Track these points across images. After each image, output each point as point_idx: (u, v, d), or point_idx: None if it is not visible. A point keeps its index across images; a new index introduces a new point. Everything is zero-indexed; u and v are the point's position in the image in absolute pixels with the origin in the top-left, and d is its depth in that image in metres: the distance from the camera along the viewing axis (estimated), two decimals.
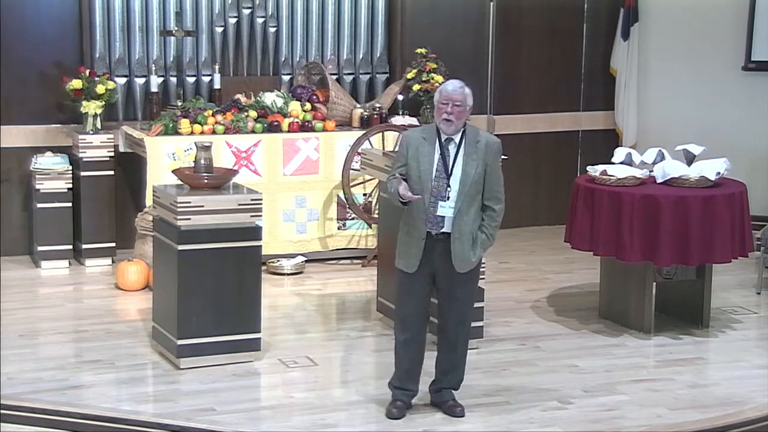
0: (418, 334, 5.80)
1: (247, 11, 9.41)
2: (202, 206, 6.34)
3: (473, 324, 6.75)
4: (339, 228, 8.98)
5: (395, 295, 5.92)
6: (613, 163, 7.55)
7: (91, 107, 8.64)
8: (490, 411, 5.89)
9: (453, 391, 5.88)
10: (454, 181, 5.60)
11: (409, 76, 9.24)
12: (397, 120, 9.00)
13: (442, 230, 5.62)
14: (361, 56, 9.76)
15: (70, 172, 8.64)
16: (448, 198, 5.59)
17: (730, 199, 7.14)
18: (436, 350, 5.91)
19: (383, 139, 8.80)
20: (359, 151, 8.51)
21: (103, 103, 8.69)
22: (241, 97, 8.97)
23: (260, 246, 6.58)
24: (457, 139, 5.64)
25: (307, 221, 8.87)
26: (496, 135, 10.08)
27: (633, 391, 6.25)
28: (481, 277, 6.83)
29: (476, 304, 6.78)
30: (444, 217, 5.61)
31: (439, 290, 5.75)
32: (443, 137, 5.63)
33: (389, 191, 5.71)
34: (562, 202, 8.98)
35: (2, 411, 5.69)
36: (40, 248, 8.67)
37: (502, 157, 7.22)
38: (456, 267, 5.64)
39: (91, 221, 8.74)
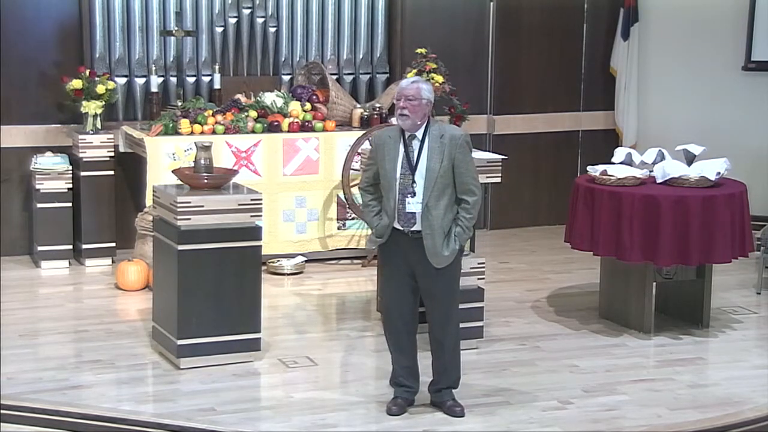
0: (406, 332, 5.83)
1: (247, 11, 9.41)
2: (202, 206, 6.34)
3: (473, 324, 6.80)
4: (339, 228, 8.98)
5: (381, 294, 5.93)
6: (613, 163, 7.55)
7: (91, 107, 8.64)
8: (490, 411, 5.89)
9: (453, 390, 5.89)
10: (419, 177, 5.63)
11: (409, 76, 9.22)
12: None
13: (414, 228, 5.65)
14: (361, 56, 9.76)
15: (70, 172, 8.65)
16: (415, 194, 5.62)
17: (730, 199, 7.14)
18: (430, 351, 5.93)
19: None
20: (359, 151, 8.50)
21: (103, 103, 8.69)
22: (241, 97, 8.97)
23: (260, 246, 6.58)
24: (420, 134, 5.67)
25: (307, 221, 8.87)
26: (496, 135, 10.25)
27: (633, 391, 6.25)
28: (480, 277, 6.87)
29: (476, 304, 6.82)
30: (415, 213, 5.63)
31: (421, 289, 5.78)
32: (407, 134, 5.68)
33: (368, 223, 5.87)
34: (562, 202, 8.98)
35: (2, 411, 5.69)
36: (40, 248, 8.67)
37: (502, 156, 7.26)
38: (432, 262, 5.66)
39: (91, 221, 8.74)
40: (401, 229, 5.67)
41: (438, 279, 5.71)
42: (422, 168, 5.63)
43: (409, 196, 5.63)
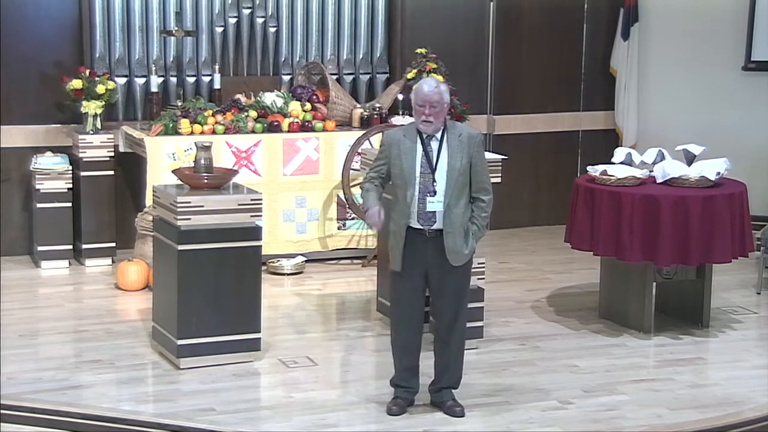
0: (414, 332, 5.83)
1: (247, 11, 9.41)
2: (202, 206, 6.34)
3: (473, 324, 6.79)
4: (339, 228, 8.98)
5: (390, 295, 5.90)
6: (613, 163, 7.55)
7: (91, 107, 8.64)
8: (490, 411, 5.89)
9: (453, 390, 5.89)
10: (440, 176, 5.63)
11: (409, 76, 9.23)
12: (397, 120, 8.99)
13: (434, 227, 5.65)
14: (361, 56, 9.76)
15: (70, 172, 8.65)
16: (436, 193, 5.62)
17: (730, 199, 7.14)
18: (432, 350, 5.92)
19: None
20: (359, 151, 8.50)
21: (103, 103, 8.69)
22: (241, 97, 8.97)
23: (260, 246, 6.58)
24: (438, 134, 5.67)
25: (307, 221, 8.87)
26: (496, 135, 10.25)
27: (633, 391, 6.25)
28: (480, 277, 6.87)
29: (476, 304, 6.82)
30: (435, 212, 5.63)
31: (432, 287, 5.77)
32: (424, 134, 5.67)
33: (363, 200, 5.82)
34: (562, 202, 8.98)
35: (2, 411, 5.69)
36: (40, 248, 8.66)
37: (502, 156, 7.27)
38: (451, 261, 5.67)
39: (91, 221, 8.74)
40: (419, 228, 5.67)
41: (452, 277, 5.72)
42: (443, 167, 5.63)
43: (429, 195, 5.63)
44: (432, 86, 5.63)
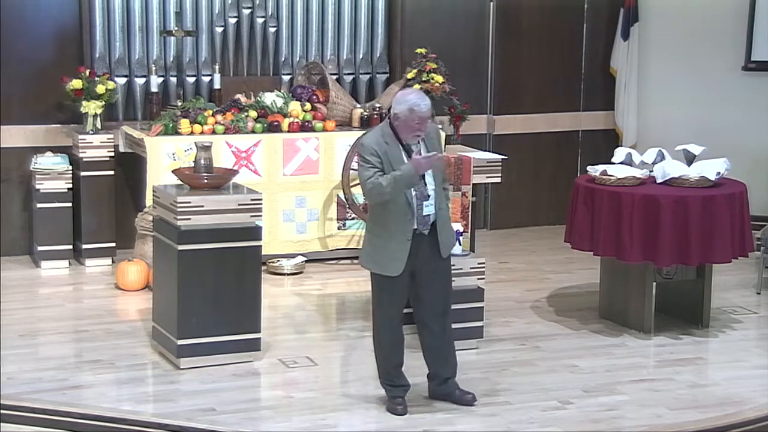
0: (401, 329, 5.88)
1: (247, 11, 9.41)
2: (202, 206, 6.35)
3: (474, 324, 6.81)
4: (339, 228, 8.98)
5: (376, 299, 5.84)
6: (613, 163, 7.55)
7: (91, 107, 8.64)
8: (490, 411, 5.89)
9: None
10: (429, 179, 5.66)
11: (409, 76, 9.23)
12: None
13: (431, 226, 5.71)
14: (361, 56, 9.76)
15: (70, 172, 8.65)
16: (429, 196, 5.65)
17: (730, 199, 7.14)
18: (422, 347, 5.95)
19: None
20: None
21: (103, 103, 8.69)
22: (241, 97, 8.97)
23: (260, 246, 6.59)
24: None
25: (307, 221, 8.87)
26: (496, 135, 10.26)
27: (633, 391, 6.25)
28: (480, 277, 6.88)
29: (476, 304, 6.83)
30: (430, 215, 5.67)
31: (420, 283, 5.77)
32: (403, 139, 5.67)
33: (399, 180, 5.49)
34: (562, 202, 8.98)
35: (2, 411, 5.69)
36: (40, 248, 8.66)
37: (502, 156, 7.28)
38: (443, 254, 5.75)
39: (91, 221, 8.74)
40: (419, 231, 5.67)
41: (440, 268, 5.77)
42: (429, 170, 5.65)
43: (425, 199, 5.64)
44: (427, 103, 5.60)
